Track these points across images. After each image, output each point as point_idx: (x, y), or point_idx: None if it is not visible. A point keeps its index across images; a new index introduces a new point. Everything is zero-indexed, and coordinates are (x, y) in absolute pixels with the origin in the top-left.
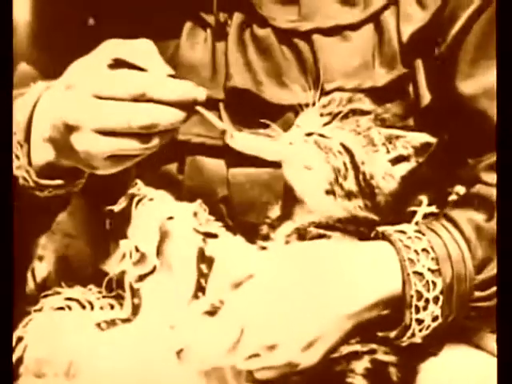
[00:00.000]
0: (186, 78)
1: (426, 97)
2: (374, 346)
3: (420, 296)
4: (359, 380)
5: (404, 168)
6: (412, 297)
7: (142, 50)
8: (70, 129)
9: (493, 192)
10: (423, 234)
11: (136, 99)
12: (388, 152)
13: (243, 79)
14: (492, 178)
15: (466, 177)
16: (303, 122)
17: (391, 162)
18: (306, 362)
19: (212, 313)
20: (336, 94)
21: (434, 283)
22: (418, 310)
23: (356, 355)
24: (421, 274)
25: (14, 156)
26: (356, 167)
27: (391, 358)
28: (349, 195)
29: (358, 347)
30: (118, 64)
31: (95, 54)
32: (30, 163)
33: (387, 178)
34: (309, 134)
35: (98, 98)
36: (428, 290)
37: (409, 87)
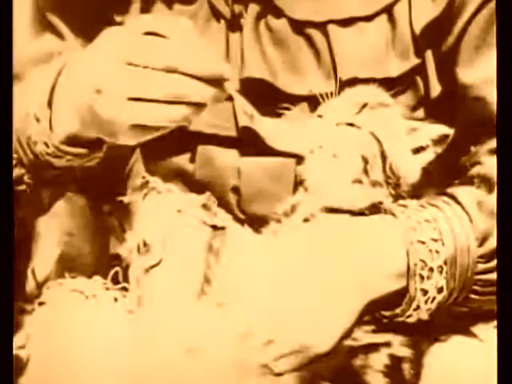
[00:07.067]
0: None
1: (436, 88)
2: (389, 336)
3: (424, 265)
4: (379, 378)
5: (424, 159)
6: (416, 265)
7: (178, 26)
8: (97, 94)
9: (491, 169)
10: (425, 208)
11: (168, 70)
12: (410, 144)
13: (259, 69)
14: (491, 160)
15: (468, 164)
16: (328, 112)
17: (413, 152)
18: (319, 345)
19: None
20: (360, 86)
21: (438, 252)
22: (422, 279)
23: (373, 348)
24: (424, 243)
25: (34, 119)
26: (384, 157)
27: (406, 352)
28: (374, 184)
29: (374, 337)
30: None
31: (129, 25)
32: (51, 128)
33: (410, 169)
34: (338, 124)
35: (130, 65)
36: (432, 259)
37: (419, 78)
